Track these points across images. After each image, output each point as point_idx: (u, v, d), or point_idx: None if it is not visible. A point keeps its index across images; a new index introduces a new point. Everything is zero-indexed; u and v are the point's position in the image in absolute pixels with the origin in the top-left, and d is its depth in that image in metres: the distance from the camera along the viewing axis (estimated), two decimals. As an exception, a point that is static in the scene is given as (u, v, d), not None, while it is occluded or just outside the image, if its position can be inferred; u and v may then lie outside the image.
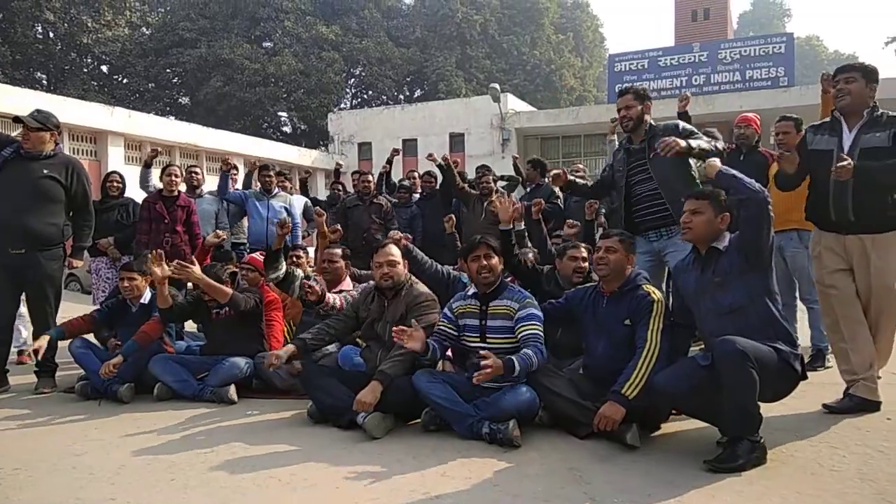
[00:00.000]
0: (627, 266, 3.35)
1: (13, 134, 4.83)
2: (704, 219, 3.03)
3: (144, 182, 6.53)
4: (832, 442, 3.04)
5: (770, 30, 41.44)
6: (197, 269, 4.15)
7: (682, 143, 3.60)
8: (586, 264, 4.11)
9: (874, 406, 3.39)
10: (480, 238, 3.57)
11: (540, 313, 3.39)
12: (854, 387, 3.42)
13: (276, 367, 3.67)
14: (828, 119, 3.61)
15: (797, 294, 4.86)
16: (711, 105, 18.89)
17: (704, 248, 3.07)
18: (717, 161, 3.13)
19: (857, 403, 3.39)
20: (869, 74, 3.43)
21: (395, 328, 3.33)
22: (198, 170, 6.75)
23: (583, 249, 4.18)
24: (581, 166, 7.50)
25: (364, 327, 3.89)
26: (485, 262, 3.45)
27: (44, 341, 4.22)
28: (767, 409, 3.18)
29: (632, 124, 4.14)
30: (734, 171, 3.03)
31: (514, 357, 3.12)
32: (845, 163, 3.18)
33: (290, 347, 3.73)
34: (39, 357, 4.35)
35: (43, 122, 4.54)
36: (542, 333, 3.29)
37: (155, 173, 6.68)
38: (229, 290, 4.24)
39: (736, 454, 2.69)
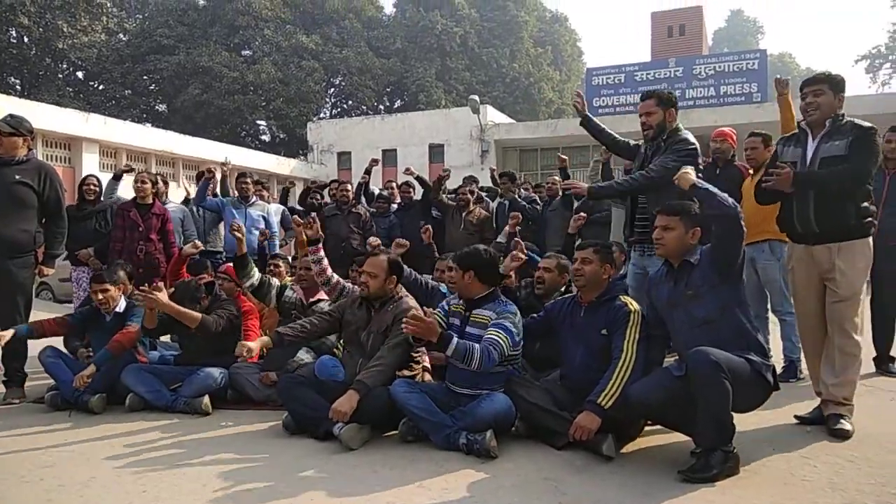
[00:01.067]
0: (604, 276, 3.37)
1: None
2: (675, 234, 3.07)
3: (109, 194, 6.34)
4: (804, 452, 3.08)
5: (743, 46, 42.30)
6: (164, 296, 4.03)
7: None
8: (549, 274, 4.22)
9: (841, 435, 3.25)
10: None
11: (513, 328, 3.34)
12: (824, 407, 3.46)
13: (246, 358, 3.55)
14: (796, 131, 3.67)
15: (769, 306, 4.92)
16: (686, 119, 18.85)
17: (677, 262, 3.11)
18: (691, 173, 3.17)
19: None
20: (836, 85, 3.46)
21: (408, 316, 3.21)
22: (159, 176, 6.63)
23: (551, 260, 4.32)
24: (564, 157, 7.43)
25: (348, 333, 3.85)
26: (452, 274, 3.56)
27: (8, 334, 4.11)
28: (741, 420, 3.22)
29: (651, 133, 3.97)
30: (708, 185, 3.08)
31: (456, 337, 3.16)
32: (782, 170, 3.26)
33: (264, 339, 3.66)
34: (2, 343, 4.18)
35: (16, 126, 4.47)
36: (503, 343, 3.24)
37: (124, 185, 6.60)
38: (198, 316, 4.16)
39: (710, 464, 2.72)
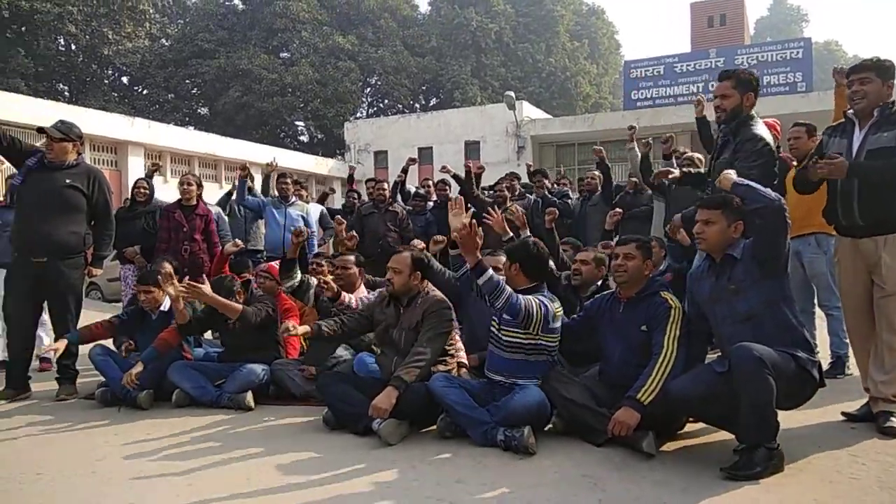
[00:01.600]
0: (645, 272, 3.33)
1: (37, 144, 4.92)
2: (718, 228, 3.01)
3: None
4: (851, 450, 3.00)
5: (787, 35, 41.15)
6: (207, 288, 4.19)
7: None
8: (586, 267, 4.23)
9: (891, 433, 3.15)
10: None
11: (545, 302, 3.35)
12: (874, 404, 3.36)
13: (289, 335, 3.73)
14: (843, 120, 3.56)
15: (815, 300, 4.80)
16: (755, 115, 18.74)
17: (719, 256, 3.05)
18: (731, 173, 3.09)
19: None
20: (884, 72, 3.33)
21: (451, 199, 3.45)
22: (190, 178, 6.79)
23: (588, 253, 4.36)
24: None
25: (378, 332, 3.90)
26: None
27: (62, 344, 4.31)
28: (786, 418, 3.15)
29: (725, 115, 3.59)
30: (749, 182, 3.00)
31: (494, 274, 3.21)
32: (835, 160, 3.15)
33: (305, 328, 3.78)
34: (56, 356, 4.42)
35: (66, 132, 4.63)
36: (532, 303, 3.26)
37: (166, 187, 6.84)
38: (239, 307, 4.26)
39: (753, 462, 2.67)
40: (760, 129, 3.60)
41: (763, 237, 2.91)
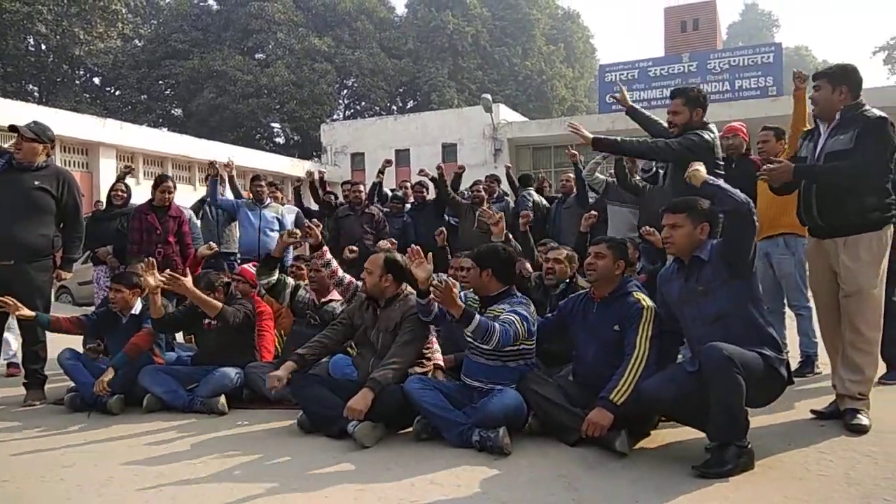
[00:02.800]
0: (616, 272, 3.36)
1: (6, 145, 4.82)
2: (684, 231, 3.05)
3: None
4: (820, 447, 3.05)
5: (759, 40, 41.83)
6: (188, 281, 4.15)
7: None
8: (559, 266, 4.28)
9: (858, 430, 3.20)
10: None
11: (527, 314, 3.38)
12: (841, 402, 3.43)
13: (279, 389, 3.51)
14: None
15: (785, 301, 4.88)
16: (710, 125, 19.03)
17: (687, 259, 3.09)
18: (702, 170, 3.12)
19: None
20: (834, 78, 3.41)
21: (412, 249, 3.45)
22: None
23: (561, 251, 4.41)
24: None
25: (358, 335, 3.90)
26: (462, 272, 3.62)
27: (28, 312, 4.23)
28: (756, 415, 3.21)
29: (677, 131, 3.97)
30: (719, 182, 3.06)
31: (478, 314, 3.21)
32: (777, 165, 3.29)
33: (289, 364, 3.57)
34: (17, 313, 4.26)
35: (39, 133, 4.54)
36: (517, 325, 3.27)
37: (138, 189, 6.77)
38: (219, 304, 4.22)
39: (724, 459, 2.70)
40: (708, 131, 3.95)
41: (731, 238, 2.96)
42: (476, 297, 3.63)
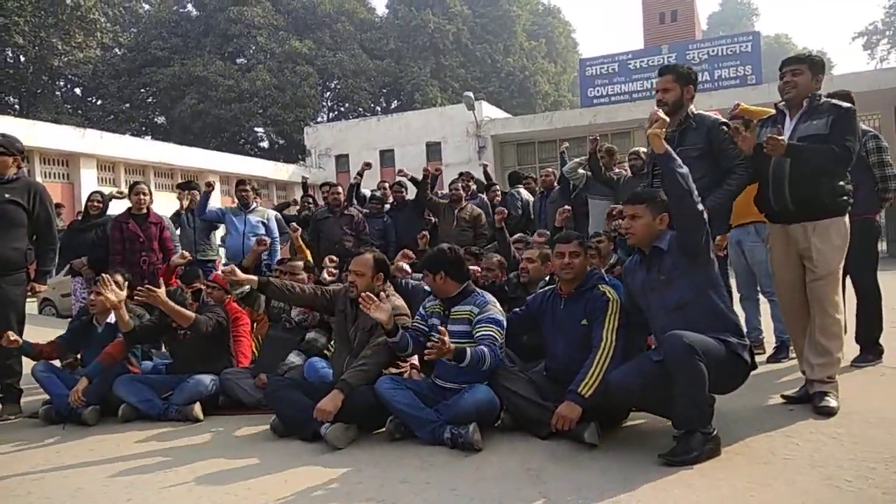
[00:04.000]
0: (587, 267, 3.42)
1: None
2: (644, 222, 3.06)
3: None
4: (787, 431, 3.08)
5: (739, 29, 42.04)
6: (162, 292, 4.13)
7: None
8: (533, 265, 4.32)
9: (826, 412, 3.25)
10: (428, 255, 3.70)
11: (500, 317, 3.43)
12: (810, 386, 3.46)
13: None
14: (773, 112, 3.68)
15: (758, 287, 4.92)
16: (692, 107, 19.10)
17: (647, 249, 3.11)
18: (660, 135, 2.99)
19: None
20: (814, 66, 3.49)
21: (363, 294, 3.40)
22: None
23: (534, 251, 4.43)
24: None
25: (337, 325, 3.91)
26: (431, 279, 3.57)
27: (14, 336, 4.20)
28: (726, 402, 3.23)
29: (667, 109, 3.49)
30: (675, 160, 2.96)
31: (468, 347, 3.19)
32: (778, 137, 3.25)
33: (252, 278, 3.95)
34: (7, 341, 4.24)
35: (7, 146, 4.51)
36: (498, 337, 3.33)
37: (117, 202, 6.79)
38: (191, 315, 4.21)
39: (689, 447, 2.73)
40: (709, 113, 3.75)
41: (680, 225, 2.98)
42: (437, 302, 3.61)
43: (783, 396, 3.59)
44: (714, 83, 22.12)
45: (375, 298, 3.39)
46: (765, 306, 4.93)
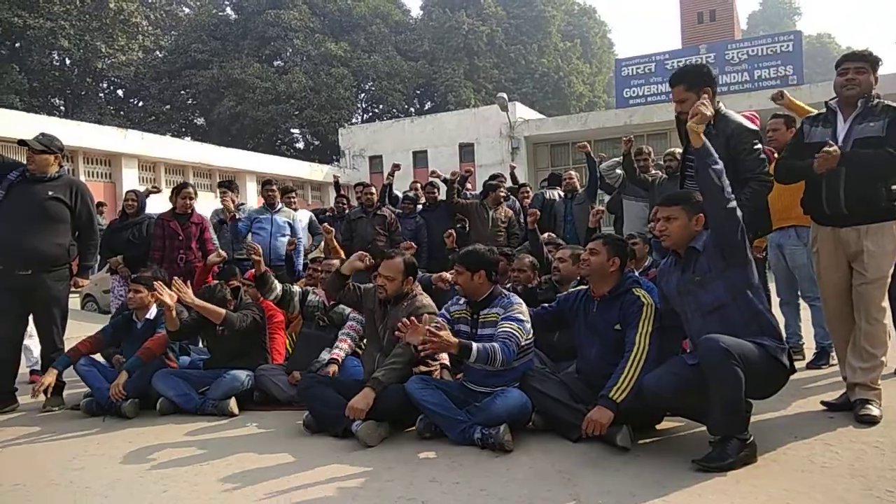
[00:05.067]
0: (611, 269, 3.34)
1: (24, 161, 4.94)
2: (679, 224, 3.01)
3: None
4: (826, 439, 3.01)
5: (780, 28, 41.14)
6: (190, 292, 4.20)
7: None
8: (564, 264, 4.32)
9: (868, 420, 3.16)
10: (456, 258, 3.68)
11: (523, 317, 3.39)
12: (851, 393, 3.37)
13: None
14: (823, 111, 3.58)
15: (799, 292, 4.81)
16: (720, 105, 18.78)
17: (682, 250, 3.06)
18: (700, 133, 2.91)
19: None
20: (875, 65, 3.42)
21: (401, 322, 3.31)
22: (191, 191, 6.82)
23: (565, 251, 4.45)
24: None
25: (368, 324, 3.97)
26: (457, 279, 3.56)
27: (49, 380, 4.30)
28: (765, 408, 3.18)
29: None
30: (712, 156, 2.88)
31: (474, 343, 3.18)
32: (831, 148, 3.16)
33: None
34: (48, 395, 4.41)
35: (47, 144, 4.65)
36: (517, 334, 3.28)
37: (156, 199, 6.96)
38: (222, 311, 4.28)
39: (725, 453, 2.68)
40: (734, 115, 3.52)
41: (713, 223, 2.92)
42: (463, 306, 3.59)
43: (823, 403, 3.51)
44: (754, 83, 21.67)
45: (417, 323, 3.26)
46: (805, 312, 4.82)
